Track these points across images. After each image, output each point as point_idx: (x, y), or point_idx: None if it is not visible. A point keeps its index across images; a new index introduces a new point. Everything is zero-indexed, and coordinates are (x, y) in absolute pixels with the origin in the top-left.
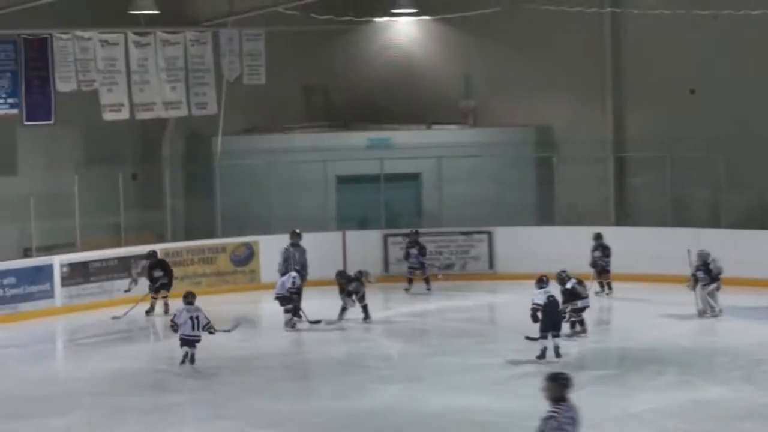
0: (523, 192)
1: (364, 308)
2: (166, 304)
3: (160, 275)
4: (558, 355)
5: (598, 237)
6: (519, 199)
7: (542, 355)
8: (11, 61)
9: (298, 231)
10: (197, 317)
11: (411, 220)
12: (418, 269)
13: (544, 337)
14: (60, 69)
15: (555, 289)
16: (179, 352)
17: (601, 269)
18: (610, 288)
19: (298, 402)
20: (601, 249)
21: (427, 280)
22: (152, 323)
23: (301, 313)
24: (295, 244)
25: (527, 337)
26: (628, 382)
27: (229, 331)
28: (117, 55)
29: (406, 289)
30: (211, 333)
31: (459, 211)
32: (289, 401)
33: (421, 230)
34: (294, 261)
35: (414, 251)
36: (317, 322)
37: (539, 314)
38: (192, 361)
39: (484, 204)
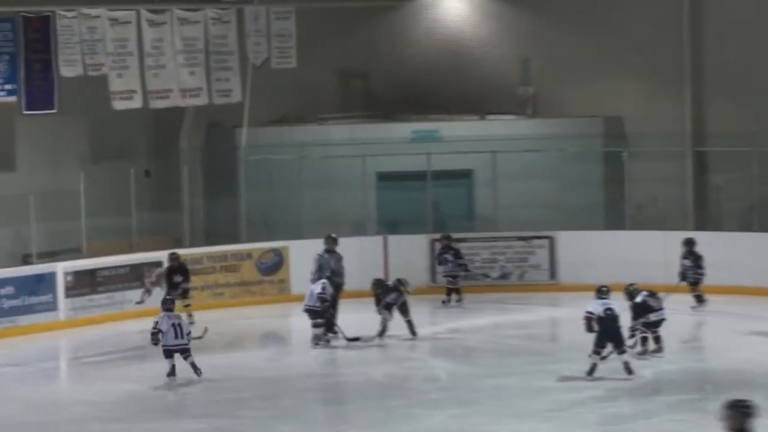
0: (589, 191)
1: (409, 323)
2: (190, 315)
3: (180, 280)
4: (629, 371)
5: (688, 243)
6: (584, 199)
7: (591, 371)
8: (9, 42)
9: (333, 236)
10: (179, 324)
11: (461, 223)
12: (460, 275)
13: (597, 352)
14: (64, 51)
15: (619, 303)
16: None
17: (694, 281)
18: (700, 301)
19: (332, 430)
20: (693, 258)
21: (458, 291)
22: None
23: (336, 328)
24: (330, 250)
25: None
26: (709, 409)
27: (200, 338)
28: (128, 36)
29: (444, 302)
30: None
31: (516, 213)
32: (323, 429)
33: (474, 235)
34: (329, 269)
35: (449, 256)
36: (356, 339)
37: (594, 324)
38: (196, 369)
39: (544, 205)
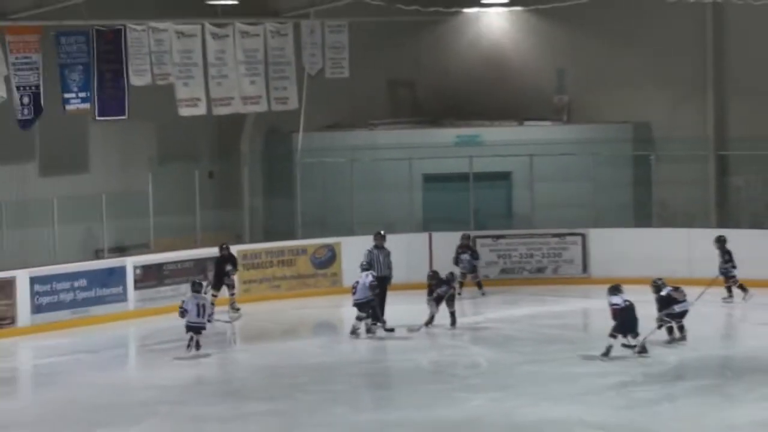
0: (619, 192)
1: (452, 315)
2: (233, 302)
3: (229, 269)
4: (645, 350)
5: (720, 240)
6: (614, 199)
7: (606, 353)
8: (83, 54)
9: (382, 232)
10: (203, 305)
11: (500, 221)
12: (469, 273)
13: (614, 336)
14: (134, 62)
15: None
16: (259, 359)
17: (726, 274)
18: (730, 293)
19: (381, 412)
20: (723, 253)
21: (479, 284)
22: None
23: (379, 318)
24: (379, 245)
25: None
26: (729, 393)
27: (228, 322)
28: (193, 48)
29: (459, 294)
30: (209, 322)
31: (551, 212)
32: (372, 411)
33: (512, 232)
34: (378, 263)
35: (466, 256)
36: (391, 330)
37: (618, 314)
38: (197, 347)
39: (577, 205)
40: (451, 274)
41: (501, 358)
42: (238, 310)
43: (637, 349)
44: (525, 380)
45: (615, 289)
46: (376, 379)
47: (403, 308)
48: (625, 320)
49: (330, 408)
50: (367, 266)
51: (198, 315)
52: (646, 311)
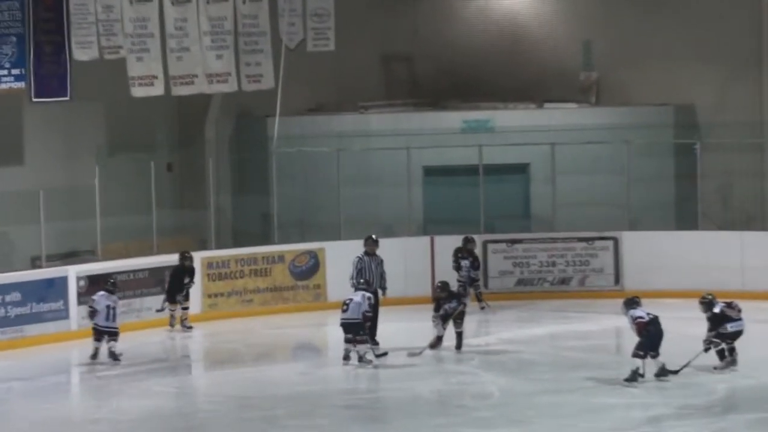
0: (658, 187)
1: (459, 335)
2: (186, 318)
3: (187, 281)
4: (665, 374)
5: None
6: (652, 196)
7: (633, 378)
8: (17, 23)
9: (374, 237)
10: (114, 308)
11: (516, 222)
12: (468, 284)
13: (640, 356)
14: (78, 32)
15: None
16: (227, 387)
17: None
18: None
19: None
20: None
21: (479, 297)
22: (186, 346)
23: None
24: (370, 252)
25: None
26: None
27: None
28: (149, 16)
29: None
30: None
31: (577, 211)
32: None
33: (530, 236)
34: (370, 273)
35: (466, 263)
36: (384, 354)
37: (645, 329)
38: (114, 357)
39: (608, 203)
40: (464, 288)
41: (516, 386)
42: (190, 328)
43: (656, 372)
44: (545, 413)
45: (633, 303)
46: (368, 413)
47: (400, 326)
48: (652, 335)
49: None
50: (365, 285)
51: (107, 318)
52: (691, 330)
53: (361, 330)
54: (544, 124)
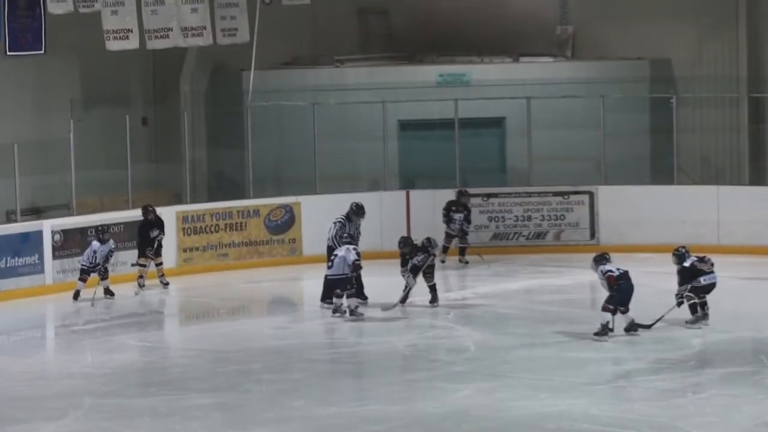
0: (634, 142)
1: (432, 289)
2: (162, 274)
3: (155, 234)
4: (635, 329)
5: None
6: (628, 150)
7: (603, 332)
8: None
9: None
10: (112, 253)
11: (492, 176)
12: (459, 238)
13: (610, 310)
14: None
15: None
16: (202, 341)
17: None
18: None
19: (347, 405)
20: None
21: (463, 251)
22: (161, 301)
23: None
24: (351, 218)
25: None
26: (764, 383)
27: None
28: None
29: (442, 261)
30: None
31: (553, 165)
32: (337, 404)
33: (506, 190)
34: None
35: (459, 216)
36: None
37: (619, 282)
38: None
39: (584, 157)
40: (428, 239)
41: (491, 340)
42: (167, 285)
43: (626, 326)
44: (520, 367)
45: (603, 259)
46: (343, 367)
47: (376, 281)
48: (623, 290)
49: (286, 401)
50: (348, 239)
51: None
52: (666, 285)
53: (348, 284)
54: (520, 77)
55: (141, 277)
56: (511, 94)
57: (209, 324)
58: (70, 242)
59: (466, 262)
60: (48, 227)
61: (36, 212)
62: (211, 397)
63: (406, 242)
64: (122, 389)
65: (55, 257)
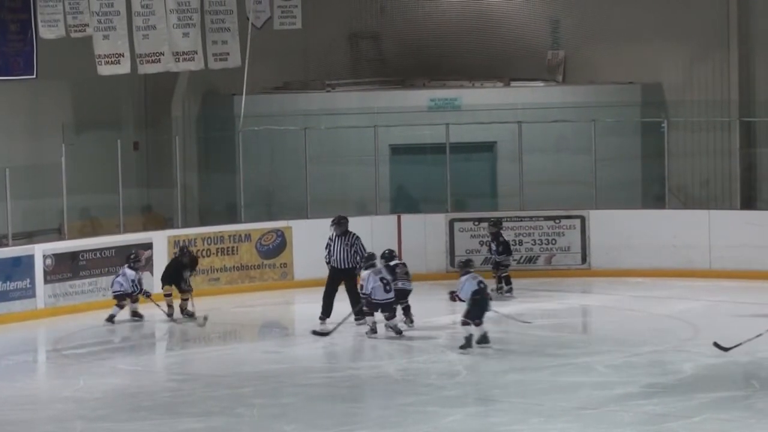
0: (625, 166)
1: (405, 310)
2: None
3: (188, 275)
4: (486, 341)
5: None
6: (620, 175)
7: (468, 344)
8: None
9: (342, 217)
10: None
11: (483, 201)
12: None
13: (468, 323)
14: (44, 10)
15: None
16: (193, 366)
17: None
18: None
19: (340, 429)
20: None
21: (503, 280)
22: (153, 329)
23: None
24: (341, 233)
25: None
26: (756, 407)
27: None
28: None
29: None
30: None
31: (544, 190)
32: (330, 428)
33: (497, 214)
34: (337, 253)
35: (492, 247)
36: (325, 334)
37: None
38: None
39: (575, 181)
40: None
41: (482, 364)
42: (191, 315)
43: (478, 339)
44: (511, 392)
45: (467, 265)
46: (334, 391)
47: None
48: (479, 304)
49: (277, 425)
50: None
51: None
52: (657, 309)
53: (391, 308)
54: (511, 102)
55: (170, 306)
56: (502, 118)
57: (201, 348)
58: (61, 266)
59: (506, 291)
60: (39, 251)
61: (27, 236)
62: (203, 422)
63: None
64: (114, 413)
65: (46, 281)
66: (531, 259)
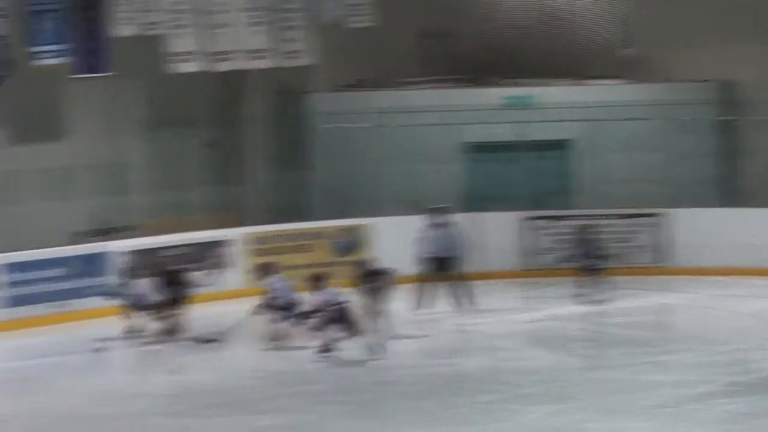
0: (700, 164)
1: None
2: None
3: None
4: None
5: None
6: (694, 173)
7: (326, 350)
8: None
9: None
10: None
11: (557, 199)
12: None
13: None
14: (119, 8)
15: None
16: (270, 363)
17: None
18: None
19: (416, 427)
20: None
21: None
22: (228, 322)
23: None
24: (437, 224)
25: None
26: None
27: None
28: None
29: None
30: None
31: (618, 188)
32: (405, 426)
33: (572, 213)
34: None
35: (582, 252)
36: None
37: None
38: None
39: (650, 180)
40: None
41: (561, 362)
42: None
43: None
44: (589, 390)
45: (319, 279)
46: (411, 388)
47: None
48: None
49: (355, 423)
50: None
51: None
52: (737, 308)
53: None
54: (585, 100)
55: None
56: (575, 116)
57: (276, 345)
58: (137, 263)
59: (602, 301)
60: (115, 249)
61: (104, 234)
62: (277, 418)
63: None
64: (189, 409)
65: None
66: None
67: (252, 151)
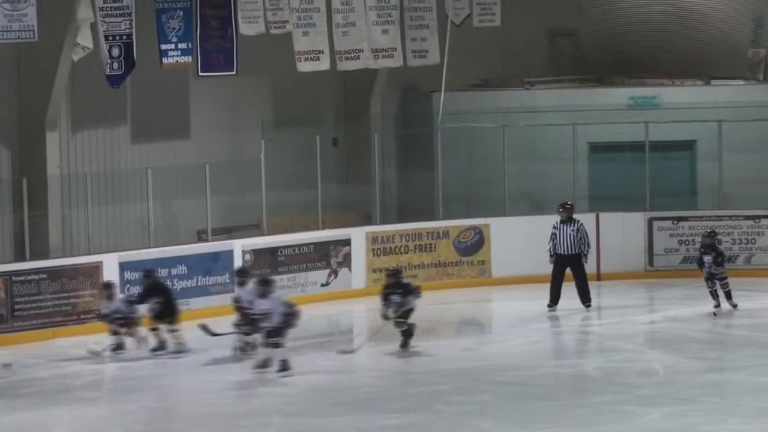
0: None
1: (404, 334)
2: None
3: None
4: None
5: None
6: None
7: (284, 368)
8: None
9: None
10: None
11: (682, 200)
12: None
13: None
14: (244, 7)
15: None
16: (391, 362)
17: None
18: None
19: (535, 428)
20: None
21: (727, 295)
22: (351, 325)
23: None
24: (566, 219)
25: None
26: None
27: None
28: None
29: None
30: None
31: (744, 189)
32: (527, 426)
33: (697, 213)
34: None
35: (708, 258)
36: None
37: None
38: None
39: None
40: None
41: (681, 364)
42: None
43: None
44: (710, 392)
45: (267, 283)
46: (531, 389)
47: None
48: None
49: (475, 422)
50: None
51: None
52: None
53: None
54: (711, 100)
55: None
56: (702, 117)
57: (396, 345)
58: (260, 262)
59: (735, 305)
60: (239, 247)
61: (227, 232)
62: (400, 418)
63: (393, 274)
64: (311, 409)
65: None
66: (730, 259)
67: (377, 150)
